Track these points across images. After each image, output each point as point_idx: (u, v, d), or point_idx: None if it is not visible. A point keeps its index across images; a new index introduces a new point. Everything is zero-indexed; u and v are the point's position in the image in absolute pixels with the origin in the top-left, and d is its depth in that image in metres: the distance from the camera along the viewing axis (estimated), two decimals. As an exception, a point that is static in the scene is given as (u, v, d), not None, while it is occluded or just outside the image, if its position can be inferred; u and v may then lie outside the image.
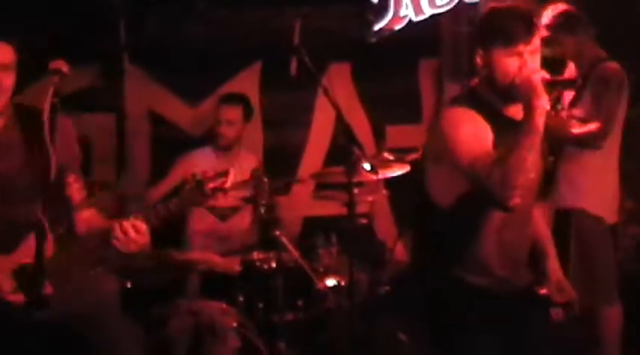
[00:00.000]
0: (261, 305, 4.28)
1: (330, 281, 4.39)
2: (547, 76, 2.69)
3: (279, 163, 5.23)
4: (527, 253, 3.00)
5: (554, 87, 2.73)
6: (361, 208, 4.43)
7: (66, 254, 2.90)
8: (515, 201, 2.64)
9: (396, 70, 5.44)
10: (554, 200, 4.31)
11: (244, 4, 5.31)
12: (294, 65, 4.18)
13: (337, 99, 4.07)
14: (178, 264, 4.40)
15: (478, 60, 2.84)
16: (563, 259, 4.20)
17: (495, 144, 2.74)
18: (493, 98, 2.83)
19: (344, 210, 3.91)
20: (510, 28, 2.75)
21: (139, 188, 5.12)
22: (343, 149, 3.97)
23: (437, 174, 2.87)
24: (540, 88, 2.64)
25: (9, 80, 2.84)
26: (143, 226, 2.84)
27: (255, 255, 4.41)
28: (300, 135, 5.54)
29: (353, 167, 3.93)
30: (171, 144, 5.25)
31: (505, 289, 2.88)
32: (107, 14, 5.19)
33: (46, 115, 2.77)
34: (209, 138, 4.96)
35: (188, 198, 2.93)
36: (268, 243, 4.42)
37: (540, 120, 2.63)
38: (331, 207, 4.62)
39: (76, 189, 2.99)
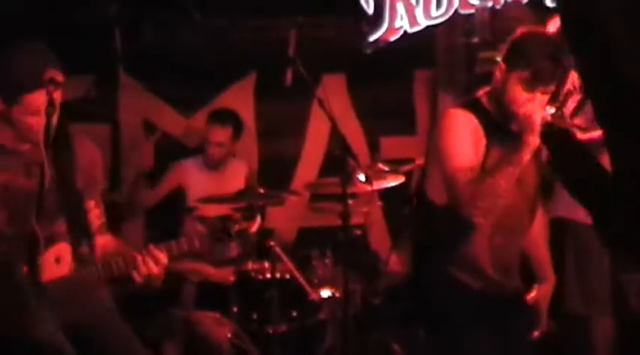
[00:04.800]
0: (255, 316, 4.27)
1: (325, 292, 4.38)
2: (548, 117, 2.76)
3: (274, 174, 5.22)
4: (518, 260, 3.05)
5: (550, 128, 2.77)
6: (356, 219, 4.43)
7: (81, 274, 2.90)
8: (478, 220, 2.80)
9: (391, 81, 5.46)
10: (550, 208, 4.31)
11: (239, 14, 5.32)
12: (289, 76, 4.19)
13: (332, 110, 4.08)
14: (172, 273, 4.39)
15: (497, 73, 2.89)
16: (559, 268, 4.22)
17: (488, 148, 2.85)
18: (495, 111, 2.91)
19: (338, 221, 3.91)
20: (537, 70, 2.79)
21: (133, 198, 5.10)
22: (338, 160, 3.98)
23: (436, 171, 2.92)
24: (537, 127, 2.72)
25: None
26: (165, 259, 2.87)
27: (250, 265, 4.40)
28: (294, 145, 5.54)
29: (347, 178, 3.93)
30: (166, 154, 5.24)
31: (496, 291, 2.94)
32: (102, 24, 5.19)
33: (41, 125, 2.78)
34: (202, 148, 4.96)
35: (212, 237, 2.97)
36: (263, 253, 4.42)
37: (526, 156, 2.74)
38: (326, 218, 4.62)
39: (94, 215, 2.99)
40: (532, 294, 3.15)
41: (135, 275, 2.84)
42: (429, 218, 3.02)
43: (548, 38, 2.93)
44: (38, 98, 2.76)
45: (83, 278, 2.87)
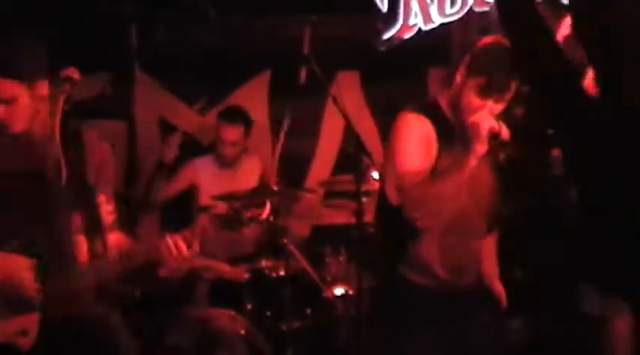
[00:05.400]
0: (269, 313, 4.28)
1: (338, 290, 4.39)
2: (496, 127, 2.80)
3: (288, 172, 5.23)
4: (474, 261, 3.07)
5: (495, 138, 2.83)
6: (369, 217, 4.43)
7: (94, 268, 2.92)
8: (422, 224, 2.88)
9: (405, 79, 5.45)
10: None
11: (254, 12, 5.33)
12: (303, 74, 4.20)
13: (346, 107, 4.08)
14: (187, 271, 4.40)
15: (458, 78, 2.96)
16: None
17: (440, 152, 2.92)
18: (451, 115, 2.98)
19: (352, 219, 3.92)
20: (493, 79, 2.86)
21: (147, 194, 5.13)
22: (352, 157, 3.98)
23: (390, 171, 2.99)
24: (484, 137, 2.78)
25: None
26: (184, 247, 2.89)
27: (264, 262, 4.41)
28: (308, 143, 5.54)
29: (361, 175, 3.94)
30: (181, 151, 5.26)
31: (448, 291, 2.98)
32: (118, 22, 5.22)
33: (57, 123, 2.80)
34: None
35: (224, 225, 2.98)
36: (276, 250, 4.44)
37: (472, 163, 2.79)
38: (340, 216, 4.62)
39: (105, 211, 2.99)
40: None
41: (161, 267, 2.88)
42: (383, 217, 3.07)
43: (508, 49, 2.94)
44: (16, 88, 2.77)
45: (105, 269, 2.89)
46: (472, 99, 2.89)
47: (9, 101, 2.78)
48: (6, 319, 2.80)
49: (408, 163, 2.90)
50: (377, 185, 4.26)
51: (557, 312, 4.72)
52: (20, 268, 2.81)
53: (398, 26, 4.96)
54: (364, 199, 3.93)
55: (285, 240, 4.34)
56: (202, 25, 5.34)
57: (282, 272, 4.31)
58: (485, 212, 3.06)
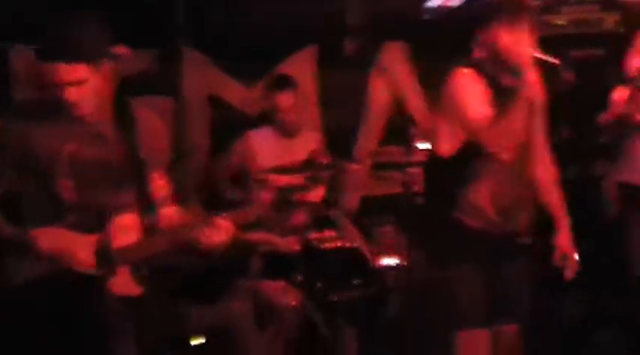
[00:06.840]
0: (319, 284, 4.31)
1: (388, 260, 4.40)
2: (537, 52, 3.10)
3: (336, 144, 5.23)
4: (523, 206, 3.37)
5: (544, 64, 3.12)
6: (417, 187, 4.42)
7: (149, 242, 2.95)
8: (503, 156, 3.22)
9: (453, 48, 5.39)
10: (614, 173, 4.23)
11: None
12: (350, 45, 4.19)
13: (393, 78, 4.07)
14: (240, 244, 4.44)
15: (483, 37, 3.24)
16: (625, 233, 4.16)
17: (494, 101, 3.19)
18: (494, 69, 3.24)
19: (400, 189, 3.92)
20: (511, 8, 3.17)
21: (198, 170, 5.17)
22: (399, 128, 3.98)
23: (445, 127, 3.30)
24: (530, 63, 3.09)
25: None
26: (231, 228, 2.92)
27: (314, 234, 4.43)
28: (356, 115, 5.53)
29: (409, 146, 3.94)
30: (230, 126, 5.29)
31: (497, 231, 3.32)
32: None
33: (109, 100, 2.84)
34: (267, 117, 4.96)
35: (276, 207, 3.06)
36: (326, 222, 4.45)
37: (528, 92, 3.14)
38: (388, 186, 4.62)
39: (158, 186, 3.01)
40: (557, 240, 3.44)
41: (202, 240, 2.89)
42: (438, 167, 3.35)
43: None
44: (85, 70, 2.76)
45: (152, 245, 2.93)
46: (506, 38, 3.16)
47: (79, 83, 2.78)
48: None
49: (475, 110, 3.17)
50: (423, 155, 4.28)
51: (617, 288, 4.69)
52: (75, 244, 2.86)
53: (444, -5, 4.93)
54: (412, 169, 3.93)
55: (334, 212, 4.36)
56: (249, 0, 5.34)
57: (332, 244, 4.34)
58: (530, 159, 3.36)
